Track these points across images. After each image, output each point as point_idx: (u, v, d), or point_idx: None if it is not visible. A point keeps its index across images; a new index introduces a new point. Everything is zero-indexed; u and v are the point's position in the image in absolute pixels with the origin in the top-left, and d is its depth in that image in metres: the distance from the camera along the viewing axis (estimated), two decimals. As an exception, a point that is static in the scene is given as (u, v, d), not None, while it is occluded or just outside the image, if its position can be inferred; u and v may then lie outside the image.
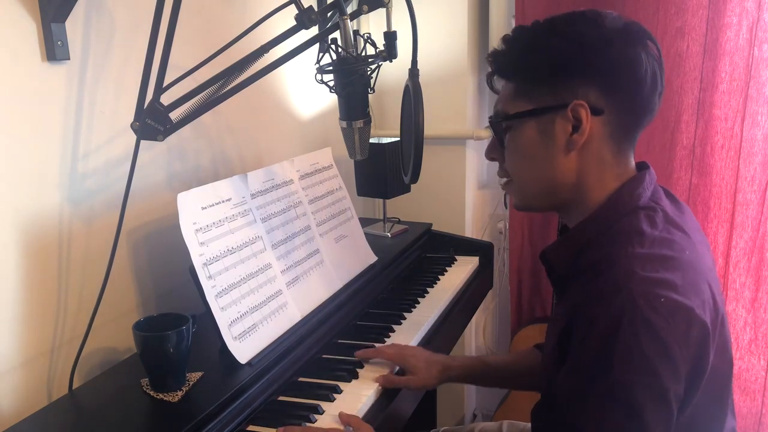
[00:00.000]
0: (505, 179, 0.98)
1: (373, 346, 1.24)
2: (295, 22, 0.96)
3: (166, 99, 0.98)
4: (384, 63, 1.11)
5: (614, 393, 0.75)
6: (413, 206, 2.10)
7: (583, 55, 0.84)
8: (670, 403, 0.76)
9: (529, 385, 1.23)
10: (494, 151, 0.97)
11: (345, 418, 1.02)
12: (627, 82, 0.85)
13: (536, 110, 0.88)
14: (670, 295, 0.76)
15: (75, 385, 1.06)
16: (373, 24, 1.99)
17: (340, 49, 1.07)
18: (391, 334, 1.34)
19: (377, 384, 1.14)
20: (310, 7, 0.96)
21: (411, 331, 1.35)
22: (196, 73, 1.01)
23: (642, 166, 0.94)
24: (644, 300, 0.75)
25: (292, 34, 0.99)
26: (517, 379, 1.25)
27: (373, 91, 1.15)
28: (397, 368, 1.21)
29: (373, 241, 1.58)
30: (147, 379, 1.02)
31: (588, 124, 0.85)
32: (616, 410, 0.75)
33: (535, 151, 0.90)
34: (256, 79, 1.01)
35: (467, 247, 1.84)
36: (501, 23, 2.04)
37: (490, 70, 0.95)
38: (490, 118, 0.95)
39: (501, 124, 0.93)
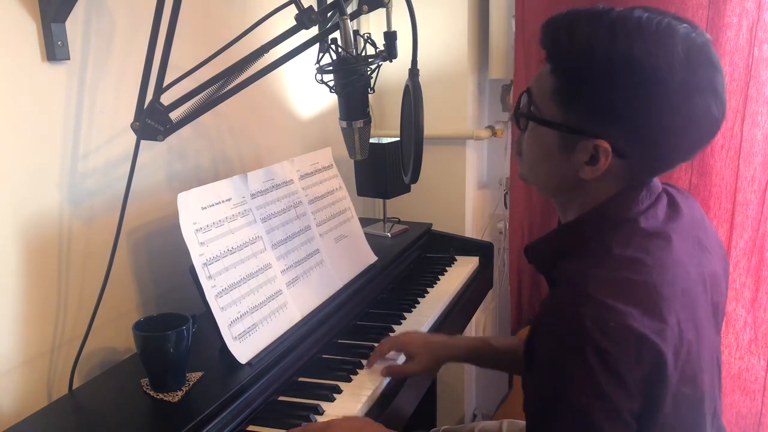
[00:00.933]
0: (517, 150, 0.94)
1: (374, 347, 1.24)
2: (295, 22, 0.96)
3: (166, 99, 0.98)
4: (384, 63, 1.11)
5: (572, 415, 0.76)
6: (413, 206, 2.10)
7: (623, 105, 0.77)
8: (627, 420, 0.75)
9: None
10: (517, 121, 0.92)
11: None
12: (670, 138, 0.79)
13: (563, 127, 0.83)
14: (621, 320, 0.74)
15: (75, 385, 1.06)
16: (373, 24, 1.99)
17: (340, 49, 1.07)
18: (391, 334, 1.34)
19: (377, 384, 1.14)
20: (310, 7, 0.96)
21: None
22: (196, 73, 1.01)
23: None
24: (594, 325, 0.73)
25: (292, 34, 0.99)
26: (519, 363, 1.25)
27: (373, 91, 1.15)
28: (404, 358, 1.21)
29: (373, 241, 1.58)
30: (147, 379, 1.02)
31: (605, 167, 0.81)
32: (578, 430, 0.76)
33: (551, 157, 0.86)
34: (256, 79, 1.01)
35: (467, 247, 1.84)
36: (501, 23, 2.04)
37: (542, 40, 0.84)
38: (524, 92, 0.88)
39: (526, 110, 0.87)
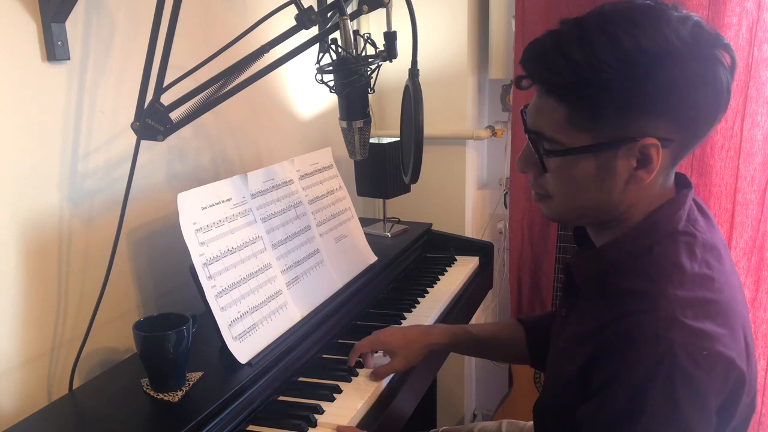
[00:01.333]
0: (539, 193, 0.87)
1: None
2: (295, 22, 0.96)
3: (166, 99, 0.98)
4: (384, 63, 1.11)
5: None
6: (413, 206, 2.10)
7: (653, 93, 0.74)
8: None
9: (510, 357, 1.23)
10: (529, 166, 0.86)
11: (342, 430, 1.02)
12: (701, 111, 0.77)
13: (597, 146, 0.77)
14: (713, 347, 0.72)
15: (75, 385, 1.06)
16: (373, 24, 1.99)
17: (340, 49, 1.07)
18: (391, 334, 1.34)
19: (377, 384, 1.15)
20: (310, 7, 0.96)
21: (411, 331, 1.35)
22: (196, 73, 1.01)
23: (682, 182, 0.87)
24: (685, 352, 0.71)
25: (292, 34, 0.99)
26: (499, 350, 1.25)
27: (373, 91, 1.15)
28: (388, 359, 1.20)
29: (373, 241, 1.58)
30: (147, 379, 1.02)
31: (659, 161, 0.77)
32: None
33: (590, 183, 0.81)
34: (256, 79, 1.01)
35: (467, 247, 1.84)
36: (501, 23, 2.04)
37: (521, 74, 0.82)
38: (531, 135, 0.82)
39: (548, 152, 0.81)
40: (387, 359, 1.20)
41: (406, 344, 1.19)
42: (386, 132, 2.11)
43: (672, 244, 0.80)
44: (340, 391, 1.12)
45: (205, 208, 1.11)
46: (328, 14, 1.08)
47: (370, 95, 1.14)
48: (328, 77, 1.11)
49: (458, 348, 1.27)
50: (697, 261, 0.79)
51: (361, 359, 1.21)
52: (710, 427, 0.74)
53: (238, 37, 1.01)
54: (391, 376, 1.19)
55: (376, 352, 1.22)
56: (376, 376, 1.16)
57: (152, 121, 0.98)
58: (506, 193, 2.22)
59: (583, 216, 0.87)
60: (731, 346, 0.74)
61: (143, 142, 1.01)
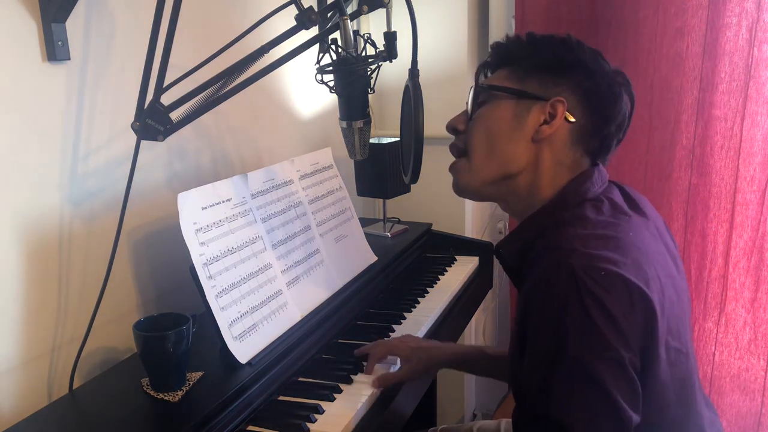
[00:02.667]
0: (457, 155, 1.01)
1: None
2: (295, 23, 0.96)
3: (166, 99, 0.98)
4: (384, 63, 1.11)
5: (574, 371, 0.76)
6: (413, 206, 2.10)
7: (581, 68, 0.92)
8: (629, 372, 0.77)
9: None
10: (461, 122, 1.00)
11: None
12: (603, 112, 0.92)
13: (520, 92, 0.93)
14: (610, 268, 0.78)
15: (75, 385, 1.06)
16: (373, 24, 1.99)
17: (340, 50, 1.07)
18: (391, 334, 1.34)
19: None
20: (310, 7, 0.96)
21: (411, 330, 1.35)
22: (196, 73, 1.01)
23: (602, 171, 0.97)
24: (585, 273, 0.77)
25: (292, 35, 0.99)
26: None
27: (373, 91, 1.15)
28: (399, 365, 1.20)
29: (373, 241, 1.58)
30: (147, 379, 1.02)
31: (560, 121, 0.91)
32: (582, 389, 0.76)
33: (502, 128, 0.94)
34: (257, 79, 1.01)
35: (467, 247, 1.84)
36: (501, 23, 2.04)
37: (486, 60, 1.00)
38: (471, 88, 0.99)
39: (481, 95, 0.97)
40: (395, 366, 1.19)
41: (419, 355, 1.19)
42: (386, 132, 2.11)
43: (580, 207, 0.90)
44: (340, 391, 1.12)
45: (205, 208, 1.11)
46: (328, 14, 1.08)
47: (370, 95, 1.14)
48: (328, 77, 1.11)
49: (471, 367, 1.28)
50: (602, 214, 0.88)
51: (364, 363, 1.20)
52: (631, 350, 0.77)
53: (238, 37, 1.01)
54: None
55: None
56: (381, 381, 1.15)
57: (152, 121, 0.98)
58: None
59: (493, 182, 0.96)
60: (631, 272, 0.79)
61: (143, 143, 1.01)
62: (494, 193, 1.00)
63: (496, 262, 2.06)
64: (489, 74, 1.01)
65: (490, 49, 1.01)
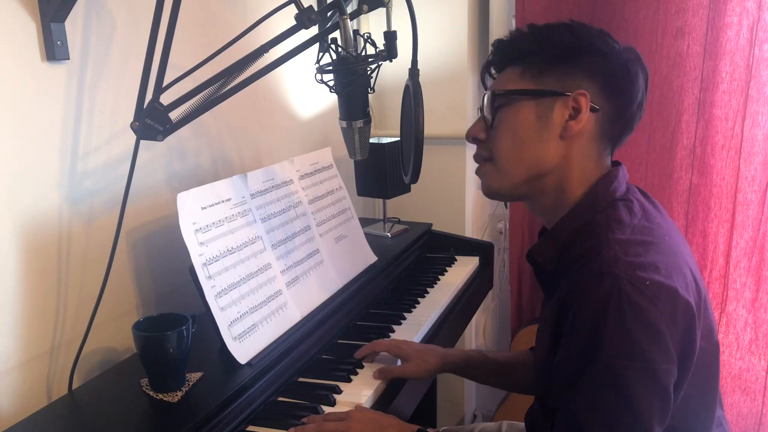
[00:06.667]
0: (483, 162, 0.99)
1: None
2: (295, 22, 0.96)
3: (165, 99, 0.98)
4: (384, 63, 1.10)
5: (605, 377, 0.76)
6: (413, 206, 2.10)
7: (594, 53, 0.90)
8: (663, 383, 0.77)
9: (525, 385, 1.23)
10: (481, 131, 0.97)
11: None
12: (623, 93, 0.91)
13: (540, 91, 0.91)
14: (655, 278, 0.77)
15: (75, 385, 1.05)
16: (373, 24, 1.98)
17: (340, 49, 1.07)
18: (391, 334, 1.34)
19: (377, 384, 1.14)
20: (310, 6, 0.96)
21: (411, 331, 1.35)
22: (196, 73, 1.01)
23: (615, 164, 0.97)
24: (629, 284, 0.76)
25: (292, 34, 0.98)
26: (514, 376, 1.25)
27: (373, 91, 1.15)
28: (399, 363, 1.20)
29: (373, 241, 1.58)
30: (147, 379, 1.02)
31: (586, 114, 0.89)
32: (609, 394, 0.76)
33: (528, 132, 0.92)
34: (256, 79, 1.01)
35: (467, 247, 1.84)
36: (501, 23, 2.04)
37: (491, 58, 0.98)
38: (485, 95, 0.96)
39: (497, 100, 0.94)
40: (398, 361, 1.20)
41: (422, 356, 1.19)
42: (386, 132, 2.11)
43: (612, 207, 0.89)
44: (339, 392, 1.11)
45: (205, 208, 1.11)
46: (328, 14, 1.08)
47: (370, 95, 1.14)
48: (328, 77, 1.11)
49: (474, 373, 1.27)
50: (636, 217, 0.88)
51: (364, 364, 1.20)
52: (670, 362, 0.77)
53: (238, 36, 1.01)
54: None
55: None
56: (382, 373, 1.16)
57: (152, 121, 0.98)
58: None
59: (523, 183, 0.95)
60: (674, 278, 0.79)
61: (143, 142, 1.01)
62: (525, 193, 0.98)
63: (495, 262, 2.06)
64: (494, 73, 0.99)
65: (492, 47, 0.99)
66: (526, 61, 0.93)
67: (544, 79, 0.91)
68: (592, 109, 0.89)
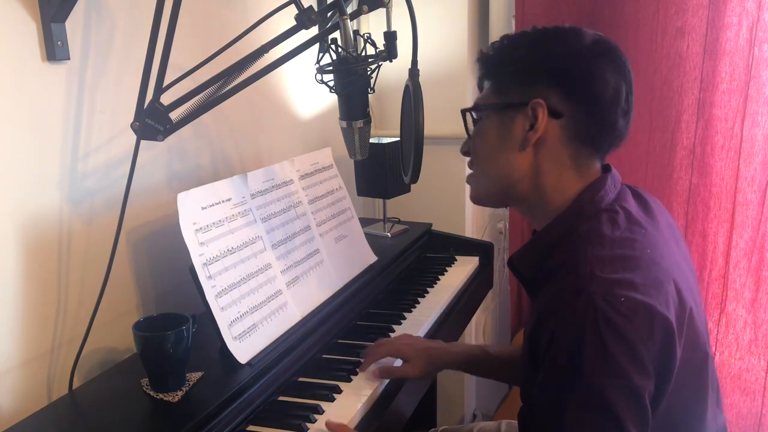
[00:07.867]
0: (469, 170, 1.03)
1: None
2: (295, 22, 0.96)
3: (166, 99, 0.98)
4: (384, 63, 1.11)
5: (587, 399, 0.77)
6: (413, 206, 2.10)
7: (550, 60, 0.90)
8: (643, 400, 0.77)
9: None
10: (465, 144, 1.02)
11: (332, 427, 1.01)
12: (587, 93, 0.89)
13: (501, 105, 0.94)
14: (630, 294, 0.77)
15: (75, 385, 1.06)
16: (373, 24, 1.99)
17: (340, 49, 1.07)
18: (391, 334, 1.34)
19: (377, 384, 1.14)
20: (310, 7, 0.96)
21: (411, 331, 1.35)
22: (196, 73, 1.01)
23: (605, 169, 0.96)
24: (605, 301, 0.76)
25: (292, 34, 0.98)
26: (515, 370, 1.25)
27: (373, 91, 1.15)
28: (399, 363, 1.20)
29: (373, 241, 1.58)
30: (147, 379, 1.02)
31: (543, 123, 0.89)
32: (593, 416, 0.77)
33: (494, 144, 0.95)
34: (256, 79, 1.01)
35: (467, 247, 1.84)
36: (501, 23, 2.04)
37: (478, 73, 1.01)
38: (469, 110, 1.00)
39: (470, 114, 0.99)
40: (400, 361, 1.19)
41: (424, 355, 1.19)
42: (386, 132, 2.11)
43: (595, 220, 0.88)
44: (340, 391, 1.11)
45: (205, 208, 1.11)
46: (328, 14, 1.08)
47: (370, 95, 1.14)
48: (328, 77, 1.11)
49: (475, 369, 1.27)
50: (619, 229, 0.87)
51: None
52: (647, 378, 0.77)
53: (238, 37, 1.01)
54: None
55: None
56: (383, 373, 1.15)
57: (152, 121, 0.98)
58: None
59: (499, 192, 0.98)
60: (651, 294, 0.79)
61: (143, 142, 1.01)
62: (505, 201, 1.02)
63: (495, 262, 2.06)
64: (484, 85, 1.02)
65: (476, 62, 1.01)
66: (495, 76, 0.97)
67: (508, 92, 0.93)
68: (555, 115, 0.89)
